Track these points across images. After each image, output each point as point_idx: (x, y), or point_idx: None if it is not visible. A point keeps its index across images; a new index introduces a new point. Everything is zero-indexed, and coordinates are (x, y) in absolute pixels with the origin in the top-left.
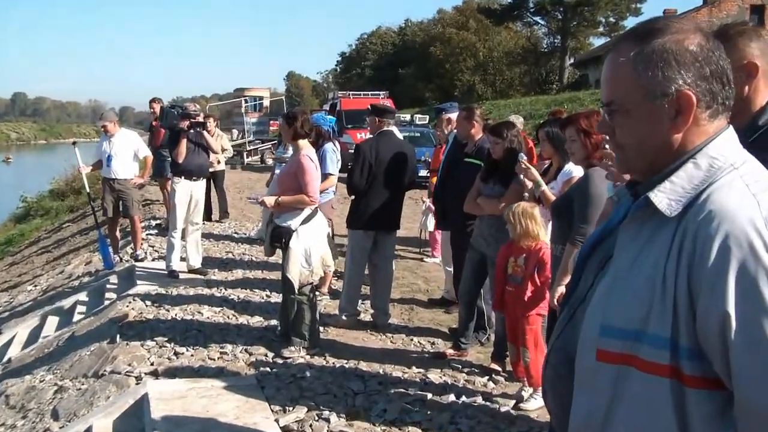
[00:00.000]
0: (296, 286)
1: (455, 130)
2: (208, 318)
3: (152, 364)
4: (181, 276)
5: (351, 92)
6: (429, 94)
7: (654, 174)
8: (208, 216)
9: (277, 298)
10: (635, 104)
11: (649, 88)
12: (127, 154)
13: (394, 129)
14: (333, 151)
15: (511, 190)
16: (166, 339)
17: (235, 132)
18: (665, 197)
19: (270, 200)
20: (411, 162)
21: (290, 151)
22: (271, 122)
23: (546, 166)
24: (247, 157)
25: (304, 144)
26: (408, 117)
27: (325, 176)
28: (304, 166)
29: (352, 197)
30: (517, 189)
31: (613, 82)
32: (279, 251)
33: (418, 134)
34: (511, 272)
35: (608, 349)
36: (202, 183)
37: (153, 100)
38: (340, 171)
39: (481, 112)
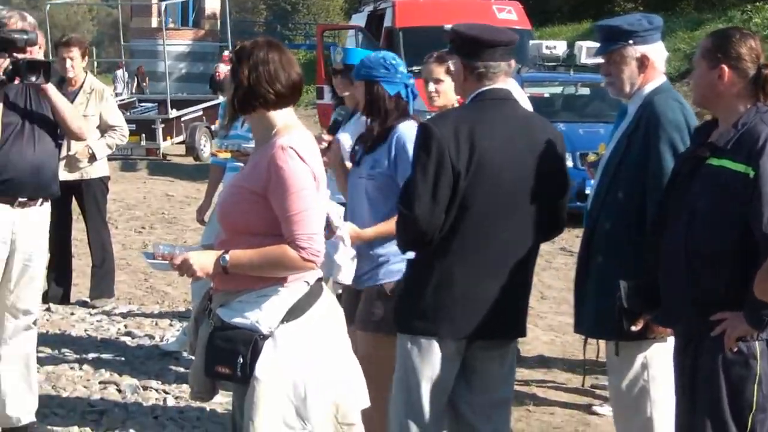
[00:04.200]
0: None
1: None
2: None
3: None
4: None
5: None
6: None
7: None
8: (60, 294)
9: None
10: None
11: None
12: None
13: (512, 86)
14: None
15: None
16: None
17: (118, 78)
18: None
19: (201, 259)
20: (557, 169)
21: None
22: (225, 55)
23: None
24: (164, 139)
25: (284, 119)
26: (560, 46)
27: (388, 214)
28: (284, 173)
29: (410, 254)
30: None
31: None
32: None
33: (586, 92)
34: None
35: None
36: (42, 212)
37: None
38: None
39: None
